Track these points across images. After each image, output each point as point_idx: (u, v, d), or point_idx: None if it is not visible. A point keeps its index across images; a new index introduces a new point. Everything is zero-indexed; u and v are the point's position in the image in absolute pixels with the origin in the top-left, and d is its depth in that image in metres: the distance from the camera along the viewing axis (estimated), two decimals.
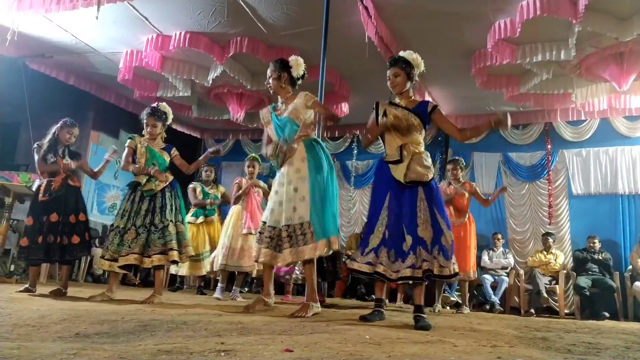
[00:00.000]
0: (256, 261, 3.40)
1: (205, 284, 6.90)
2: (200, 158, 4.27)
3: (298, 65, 3.40)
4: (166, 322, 2.32)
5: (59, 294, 4.01)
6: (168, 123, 4.21)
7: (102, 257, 3.81)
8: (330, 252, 3.20)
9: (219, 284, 5.20)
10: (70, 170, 4.24)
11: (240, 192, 5.37)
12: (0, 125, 8.80)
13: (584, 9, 4.68)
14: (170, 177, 4.04)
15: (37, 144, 4.32)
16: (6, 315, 2.38)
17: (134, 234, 3.79)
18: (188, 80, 7.19)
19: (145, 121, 4.06)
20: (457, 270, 2.88)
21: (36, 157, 4.27)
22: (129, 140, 4.06)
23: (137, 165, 3.93)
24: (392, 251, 2.91)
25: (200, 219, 6.02)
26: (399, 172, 2.98)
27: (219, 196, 6.14)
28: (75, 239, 4.16)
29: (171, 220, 3.88)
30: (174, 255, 3.81)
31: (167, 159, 4.10)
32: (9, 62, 7.07)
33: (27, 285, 4.22)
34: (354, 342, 1.96)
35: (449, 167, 5.54)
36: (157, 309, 3.11)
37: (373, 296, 5.68)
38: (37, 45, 6.72)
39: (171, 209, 3.92)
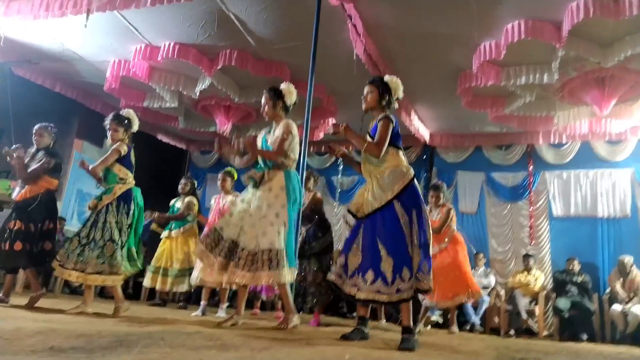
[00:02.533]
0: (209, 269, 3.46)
1: (187, 299, 6.81)
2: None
3: (290, 93, 3.60)
4: (143, 337, 2.28)
5: (35, 300, 3.92)
6: (133, 130, 4.03)
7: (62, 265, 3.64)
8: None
9: (202, 301, 5.12)
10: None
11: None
12: None
13: (567, 34, 4.79)
14: (115, 194, 3.80)
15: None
16: None
17: (75, 245, 3.66)
18: (175, 91, 7.16)
19: (107, 126, 3.93)
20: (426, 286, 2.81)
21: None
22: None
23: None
24: (369, 272, 2.90)
25: (165, 233, 6.00)
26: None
27: (181, 208, 5.97)
28: (18, 246, 3.97)
29: (102, 239, 3.69)
30: (90, 278, 3.64)
31: (120, 171, 3.86)
32: None
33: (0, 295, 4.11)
34: None
35: (430, 193, 5.39)
36: (135, 323, 3.06)
37: (354, 314, 5.65)
38: (24, 51, 6.66)
39: (105, 227, 3.72)
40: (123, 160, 3.87)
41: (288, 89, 3.60)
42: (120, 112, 4.02)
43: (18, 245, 3.96)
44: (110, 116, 3.96)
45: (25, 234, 4.01)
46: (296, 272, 3.44)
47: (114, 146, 3.83)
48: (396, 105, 3.26)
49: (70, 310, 3.63)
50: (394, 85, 3.15)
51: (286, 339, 2.66)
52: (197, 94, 6.84)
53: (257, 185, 3.42)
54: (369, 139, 3.03)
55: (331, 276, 3.01)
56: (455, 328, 5.21)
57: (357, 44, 5.29)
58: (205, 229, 5.30)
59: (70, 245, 3.68)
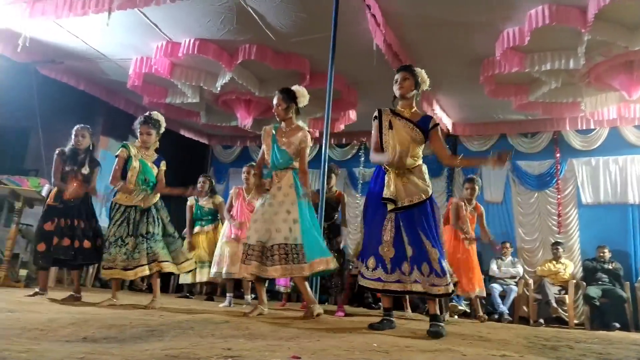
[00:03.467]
0: (242, 276, 3.66)
1: (214, 292, 6.92)
2: (174, 191, 4.16)
3: (303, 96, 3.69)
4: (173, 327, 2.32)
5: (73, 300, 4.03)
6: (162, 132, 4.16)
7: (104, 267, 3.85)
8: (331, 269, 3.50)
9: (227, 294, 5.22)
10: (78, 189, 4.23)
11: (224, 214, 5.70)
12: (11, 130, 8.88)
13: (593, 18, 4.66)
14: (156, 198, 4.03)
15: (60, 150, 4.33)
16: (15, 319, 2.39)
17: (134, 244, 3.81)
18: (197, 87, 7.23)
19: (139, 130, 4.01)
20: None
21: (55, 163, 4.29)
22: (120, 149, 3.98)
23: (124, 185, 3.90)
24: (404, 263, 2.93)
25: (197, 229, 6.16)
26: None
27: (213, 208, 6.19)
28: (87, 244, 4.15)
29: (159, 233, 3.93)
30: (164, 266, 3.85)
31: (155, 172, 4.07)
32: (20, 67, 7.14)
33: (37, 289, 4.23)
34: (362, 350, 1.95)
35: (467, 185, 5.43)
36: (165, 314, 3.12)
37: (380, 304, 5.66)
38: (48, 51, 6.79)
39: (159, 222, 3.97)
40: None
41: (301, 91, 3.69)
42: (150, 115, 4.09)
43: (87, 243, 4.15)
44: (142, 119, 4.03)
45: (82, 231, 4.19)
46: (331, 262, 3.47)
47: (163, 166, 4.11)
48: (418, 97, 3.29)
49: (102, 302, 3.72)
50: (423, 78, 3.21)
51: (313, 329, 2.68)
52: (218, 88, 6.89)
53: (268, 190, 3.59)
54: (416, 130, 3.07)
55: (364, 281, 3.02)
56: (483, 315, 5.28)
57: (377, 34, 5.25)
58: (234, 229, 5.32)
59: (125, 246, 3.82)
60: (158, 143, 4.15)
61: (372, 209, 3.12)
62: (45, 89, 7.69)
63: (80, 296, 4.12)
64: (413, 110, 3.16)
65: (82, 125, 4.41)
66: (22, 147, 8.81)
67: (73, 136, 4.33)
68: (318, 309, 3.40)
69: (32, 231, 6.65)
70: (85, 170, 4.26)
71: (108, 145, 8.79)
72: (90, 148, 4.41)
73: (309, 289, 3.51)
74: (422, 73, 3.21)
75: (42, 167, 7.87)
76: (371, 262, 3.00)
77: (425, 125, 3.08)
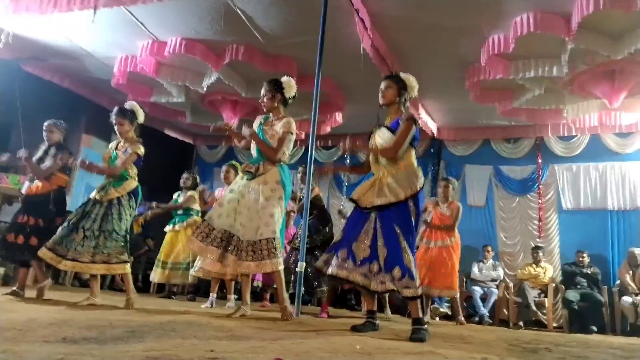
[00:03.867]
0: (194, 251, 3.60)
1: (196, 292, 6.85)
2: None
3: (290, 86, 3.68)
4: (155, 328, 2.30)
5: (42, 292, 4.00)
6: (139, 121, 4.08)
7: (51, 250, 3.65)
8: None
9: (210, 294, 5.18)
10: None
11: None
12: None
13: (577, 27, 4.74)
14: (127, 188, 3.85)
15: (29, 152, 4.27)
16: None
17: (81, 236, 3.68)
18: (182, 86, 7.18)
19: (113, 121, 3.99)
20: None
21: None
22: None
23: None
24: (374, 263, 2.93)
25: (169, 227, 6.06)
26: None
27: (180, 201, 6.05)
28: (33, 241, 4.01)
29: (122, 230, 3.78)
30: (118, 268, 3.75)
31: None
32: (3, 64, 7.01)
33: (14, 288, 4.16)
34: (345, 352, 1.96)
35: (440, 184, 5.60)
36: (146, 315, 3.09)
37: (362, 306, 5.69)
38: (32, 48, 6.68)
39: (121, 219, 3.79)
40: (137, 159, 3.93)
41: (288, 82, 3.68)
42: (122, 106, 4.06)
43: (34, 240, 4.01)
44: (114, 110, 4.02)
45: (38, 229, 4.06)
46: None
47: (133, 148, 3.87)
48: (408, 104, 3.28)
49: (81, 302, 3.67)
50: (411, 84, 3.20)
51: (297, 330, 2.68)
52: (204, 88, 6.85)
53: (252, 177, 3.49)
54: (387, 134, 3.06)
55: (332, 269, 2.99)
56: (461, 318, 5.33)
57: (364, 38, 5.27)
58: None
59: (75, 237, 3.65)
60: (134, 133, 4.03)
61: (357, 210, 3.13)
62: (28, 86, 7.56)
63: (46, 283, 4.07)
64: (396, 114, 3.17)
65: (52, 120, 4.36)
66: (3, 144, 8.61)
67: (43, 132, 4.31)
68: (290, 308, 3.48)
69: None
70: (49, 163, 4.18)
71: (91, 144, 8.69)
72: (61, 142, 4.34)
73: (284, 287, 3.55)
74: (409, 79, 3.21)
75: (22, 165, 7.73)
76: (343, 253, 3.00)
77: (397, 124, 3.08)
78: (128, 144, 3.95)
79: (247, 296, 3.60)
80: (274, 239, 3.37)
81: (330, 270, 3.00)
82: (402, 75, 3.24)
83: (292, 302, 3.90)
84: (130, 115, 4.01)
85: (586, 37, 5.04)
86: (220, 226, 3.38)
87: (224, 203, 3.48)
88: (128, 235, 3.88)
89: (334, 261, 3.02)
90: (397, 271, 2.82)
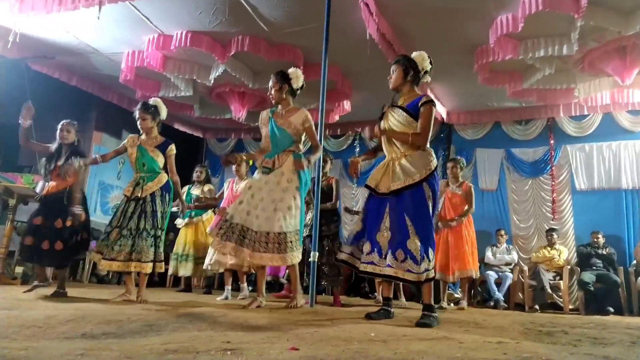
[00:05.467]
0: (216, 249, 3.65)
1: (211, 285, 6.92)
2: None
3: (297, 77, 3.71)
4: (171, 321, 2.33)
5: (59, 296, 4.00)
6: (162, 117, 4.13)
7: (99, 252, 3.77)
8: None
9: (225, 287, 5.22)
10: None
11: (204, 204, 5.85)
12: (3, 127, 8.81)
13: (586, 4, 4.65)
14: (161, 181, 3.94)
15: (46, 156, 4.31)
16: (13, 317, 2.39)
17: (118, 236, 3.75)
18: (190, 80, 7.19)
19: (136, 116, 4.03)
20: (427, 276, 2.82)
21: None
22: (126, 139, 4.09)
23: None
24: (399, 250, 2.87)
25: (186, 221, 6.10)
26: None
27: (201, 195, 6.07)
28: (59, 245, 3.98)
29: (154, 228, 3.82)
30: (147, 267, 3.75)
31: (160, 159, 4.00)
32: (11, 63, 7.06)
33: (35, 282, 4.21)
34: (359, 340, 1.96)
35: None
36: (162, 308, 3.12)
37: (376, 294, 5.70)
38: (39, 47, 6.73)
39: (155, 216, 3.84)
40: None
41: (295, 72, 3.71)
42: (146, 101, 4.10)
43: (59, 245, 3.99)
44: (138, 105, 4.07)
45: (58, 231, 4.02)
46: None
47: (169, 150, 4.02)
48: (427, 78, 3.26)
49: (115, 299, 3.70)
50: (418, 59, 3.17)
51: (311, 320, 2.70)
52: (212, 81, 6.85)
53: (270, 171, 3.52)
54: (403, 114, 3.03)
55: (362, 266, 2.98)
56: (463, 303, 5.31)
57: (370, 24, 5.22)
58: (216, 218, 5.40)
59: (110, 236, 3.76)
60: (157, 129, 4.09)
61: (374, 197, 3.09)
62: (37, 84, 7.58)
63: (64, 292, 4.06)
64: (410, 96, 3.13)
65: (68, 120, 4.38)
66: (15, 144, 8.69)
67: (58, 131, 4.32)
68: (302, 300, 3.55)
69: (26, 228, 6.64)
70: (62, 162, 4.19)
71: (102, 141, 8.76)
72: (75, 143, 4.36)
73: (298, 279, 3.64)
74: (417, 56, 3.18)
75: (36, 164, 7.82)
76: (367, 246, 2.98)
77: (414, 106, 3.05)
78: (153, 141, 4.02)
79: (262, 287, 3.64)
80: (291, 232, 3.41)
81: (361, 267, 2.99)
82: (413, 54, 3.20)
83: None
84: (154, 110, 4.06)
85: (596, 13, 4.95)
86: (239, 221, 3.42)
87: (243, 200, 3.52)
88: (163, 232, 3.91)
89: (359, 254, 3.02)
90: (399, 253, 2.81)
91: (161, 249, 3.89)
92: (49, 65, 7.26)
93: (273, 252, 3.35)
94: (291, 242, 3.39)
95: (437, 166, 3.02)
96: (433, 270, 2.86)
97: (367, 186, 3.10)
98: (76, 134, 4.38)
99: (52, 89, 7.86)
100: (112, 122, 8.91)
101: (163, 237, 3.94)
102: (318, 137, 3.80)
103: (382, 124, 3.15)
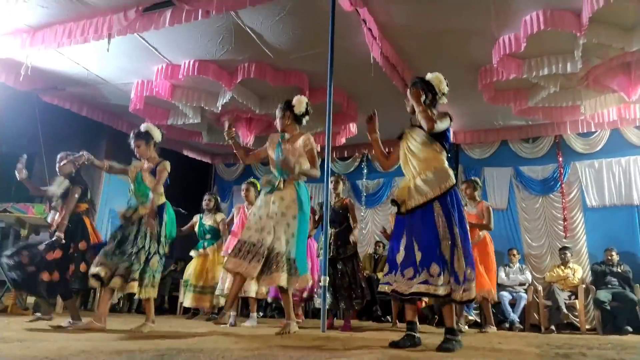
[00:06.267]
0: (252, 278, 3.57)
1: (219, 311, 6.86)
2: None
3: (299, 103, 3.80)
4: (183, 350, 2.31)
5: (74, 325, 3.99)
6: (156, 139, 4.12)
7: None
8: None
9: (231, 312, 5.18)
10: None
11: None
12: (15, 157, 8.91)
13: (587, 22, 4.68)
14: (157, 203, 3.88)
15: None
16: (25, 348, 2.39)
17: (117, 257, 3.76)
18: (198, 107, 7.28)
19: (132, 146, 4.10)
20: (469, 296, 2.80)
21: None
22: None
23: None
24: (409, 268, 2.85)
25: (200, 252, 6.09)
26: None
27: (214, 225, 6.10)
28: (45, 276, 4.01)
29: (142, 248, 3.77)
30: (133, 286, 3.67)
31: (151, 183, 3.97)
32: (23, 95, 7.21)
33: (38, 314, 4.20)
34: None
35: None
36: (173, 337, 3.10)
37: (389, 317, 5.63)
38: (50, 78, 6.87)
39: (145, 237, 3.80)
40: None
41: (298, 99, 3.82)
42: (137, 129, 4.16)
43: (45, 275, 4.02)
44: (131, 135, 4.13)
45: (53, 261, 4.07)
46: (310, 280, 3.68)
47: (161, 166, 3.97)
48: (444, 100, 3.24)
49: (138, 327, 3.68)
50: (436, 82, 3.17)
51: (323, 347, 2.66)
52: (219, 108, 6.93)
53: (272, 189, 3.63)
54: (422, 134, 3.06)
55: (380, 286, 2.96)
56: (492, 328, 5.18)
57: (374, 47, 5.29)
58: (231, 240, 5.40)
59: (114, 258, 3.76)
60: (154, 152, 4.10)
61: (398, 217, 3.07)
62: (47, 115, 7.76)
63: (74, 322, 4.00)
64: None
65: (61, 153, 4.49)
66: (27, 174, 8.84)
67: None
68: (295, 327, 3.57)
69: None
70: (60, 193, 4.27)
71: None
72: (72, 174, 4.42)
73: (291, 305, 3.66)
74: (434, 79, 3.19)
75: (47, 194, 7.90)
76: (386, 268, 2.98)
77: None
78: (151, 163, 4.04)
79: (291, 311, 3.63)
80: (281, 253, 3.47)
81: (379, 287, 2.97)
82: (427, 76, 3.22)
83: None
84: (146, 135, 4.08)
85: (598, 31, 4.97)
86: (250, 241, 3.52)
87: (252, 222, 3.63)
88: (152, 253, 3.82)
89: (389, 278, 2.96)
90: (434, 268, 2.74)
91: (151, 274, 3.79)
92: (59, 96, 7.40)
93: (268, 271, 3.43)
94: (282, 263, 3.44)
95: (454, 184, 2.99)
96: (448, 289, 2.74)
97: (393, 201, 3.07)
98: (73, 164, 4.39)
99: (62, 119, 8.00)
100: (122, 150, 8.90)
101: (155, 262, 3.84)
102: (319, 163, 3.83)
103: (402, 144, 3.18)
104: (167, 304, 7.99)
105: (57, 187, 4.25)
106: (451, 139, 3.18)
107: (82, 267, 4.12)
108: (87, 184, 4.57)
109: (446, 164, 3.08)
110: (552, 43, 5.44)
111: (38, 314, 4.25)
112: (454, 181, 3.00)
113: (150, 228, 3.78)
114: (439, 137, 3.07)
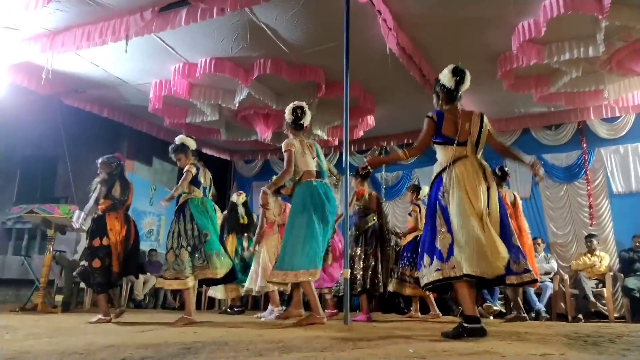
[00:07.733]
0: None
1: (245, 305, 6.95)
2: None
3: (287, 111, 4.02)
4: (209, 343, 2.34)
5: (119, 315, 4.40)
6: (192, 148, 4.36)
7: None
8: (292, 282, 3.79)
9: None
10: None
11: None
12: (39, 160, 9.15)
13: (609, 3, 4.57)
14: (180, 202, 4.19)
15: None
16: (54, 344, 2.44)
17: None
18: (215, 105, 7.33)
19: (173, 158, 4.37)
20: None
21: None
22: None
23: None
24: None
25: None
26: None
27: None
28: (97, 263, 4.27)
29: (170, 247, 4.04)
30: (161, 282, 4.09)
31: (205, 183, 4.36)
32: (45, 99, 7.37)
33: (99, 316, 4.29)
34: (398, 356, 1.93)
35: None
36: (199, 330, 3.14)
37: (411, 309, 5.60)
38: (70, 81, 6.99)
39: (172, 235, 4.07)
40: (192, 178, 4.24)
41: (287, 108, 4.04)
42: (171, 145, 4.37)
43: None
44: (170, 150, 4.36)
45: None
46: (318, 272, 3.68)
47: (186, 168, 4.21)
48: (465, 85, 3.31)
49: (176, 323, 3.78)
50: (440, 78, 3.19)
51: (346, 338, 2.66)
52: (236, 105, 6.98)
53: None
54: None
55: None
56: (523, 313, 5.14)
57: (389, 39, 5.24)
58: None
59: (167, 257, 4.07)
60: (191, 159, 4.32)
61: (429, 212, 3.02)
62: (70, 118, 7.91)
63: (109, 318, 4.23)
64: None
65: (98, 159, 4.64)
66: (51, 176, 9.06)
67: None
68: (315, 318, 3.60)
69: (65, 257, 6.82)
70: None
71: (134, 168, 8.99)
72: (105, 178, 4.57)
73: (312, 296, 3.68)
74: (440, 75, 3.22)
75: (72, 194, 8.07)
76: (426, 260, 2.86)
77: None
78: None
79: (317, 304, 3.66)
80: (284, 249, 3.68)
81: (426, 281, 2.87)
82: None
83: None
84: (182, 147, 4.32)
85: (620, 12, 4.84)
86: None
87: None
88: (177, 249, 4.01)
89: (421, 274, 2.93)
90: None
91: (179, 266, 3.96)
92: (80, 98, 7.53)
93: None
94: (282, 258, 3.63)
95: (437, 176, 3.02)
96: (437, 274, 2.73)
97: None
98: (107, 167, 4.55)
99: (84, 121, 8.16)
100: (143, 150, 9.15)
101: (183, 255, 3.99)
102: (344, 156, 4.12)
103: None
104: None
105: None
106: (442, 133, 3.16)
107: (96, 263, 4.24)
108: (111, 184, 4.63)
109: (440, 157, 3.16)
110: (572, 27, 5.32)
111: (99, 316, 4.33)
112: (438, 170, 3.08)
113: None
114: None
